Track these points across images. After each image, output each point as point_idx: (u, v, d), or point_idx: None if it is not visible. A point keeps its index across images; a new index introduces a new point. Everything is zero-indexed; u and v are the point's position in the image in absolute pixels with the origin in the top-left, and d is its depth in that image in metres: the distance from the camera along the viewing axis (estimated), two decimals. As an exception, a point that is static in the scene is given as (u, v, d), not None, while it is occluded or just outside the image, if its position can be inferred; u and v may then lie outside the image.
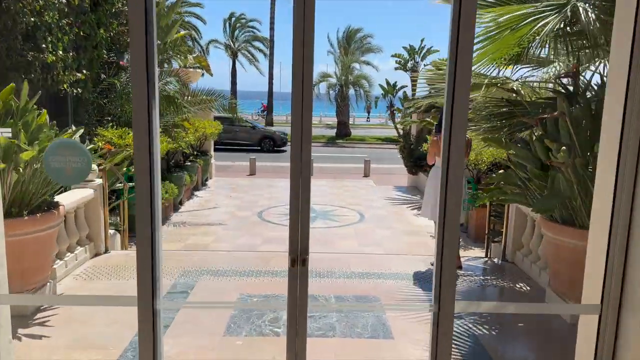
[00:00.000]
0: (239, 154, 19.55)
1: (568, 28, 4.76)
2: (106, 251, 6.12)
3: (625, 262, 2.49)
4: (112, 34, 9.12)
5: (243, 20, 39.26)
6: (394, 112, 27.97)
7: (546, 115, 4.32)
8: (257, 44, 39.36)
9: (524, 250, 6.00)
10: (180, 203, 10.36)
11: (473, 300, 4.91)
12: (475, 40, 3.02)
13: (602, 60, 4.90)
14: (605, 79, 4.68)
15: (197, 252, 6.89)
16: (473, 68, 5.44)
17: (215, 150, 14.63)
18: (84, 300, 4.19)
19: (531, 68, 6.00)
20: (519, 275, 5.87)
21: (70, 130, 4.95)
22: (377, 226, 8.86)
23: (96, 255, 5.99)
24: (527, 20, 4.27)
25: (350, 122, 34.21)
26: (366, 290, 5.34)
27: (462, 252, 6.45)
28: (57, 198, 5.19)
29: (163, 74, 9.91)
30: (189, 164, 11.54)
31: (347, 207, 10.45)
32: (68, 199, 5.35)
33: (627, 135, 2.40)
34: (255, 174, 15.03)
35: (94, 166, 5.85)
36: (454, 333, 2.81)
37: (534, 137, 4.53)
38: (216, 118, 14.31)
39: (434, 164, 6.00)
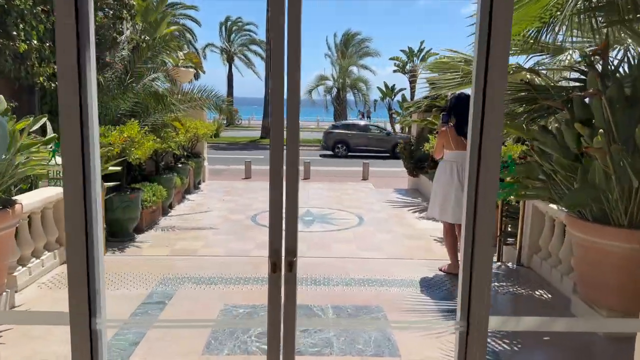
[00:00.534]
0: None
1: (594, 1, 4.22)
2: (78, 257, 5.52)
3: None
4: (95, 25, 8.58)
5: (240, 24, 38.86)
6: (393, 115, 27.44)
7: (579, 93, 3.74)
8: (254, 47, 38.94)
9: (542, 253, 5.42)
10: (170, 206, 9.81)
11: (504, 315, 4.33)
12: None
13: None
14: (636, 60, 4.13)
15: (182, 257, 6.29)
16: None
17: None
18: None
19: (546, 55, 5.47)
20: (537, 281, 5.28)
21: (27, 120, 4.36)
22: (377, 230, 8.30)
23: (67, 261, 5.39)
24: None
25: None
26: (367, 299, 4.74)
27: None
28: (20, 197, 4.62)
29: (151, 70, 9.38)
30: (180, 165, 11.01)
31: (345, 210, 9.91)
32: (32, 198, 4.77)
33: None
34: (251, 177, 14.55)
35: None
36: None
37: (562, 123, 3.95)
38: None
39: (440, 159, 5.44)
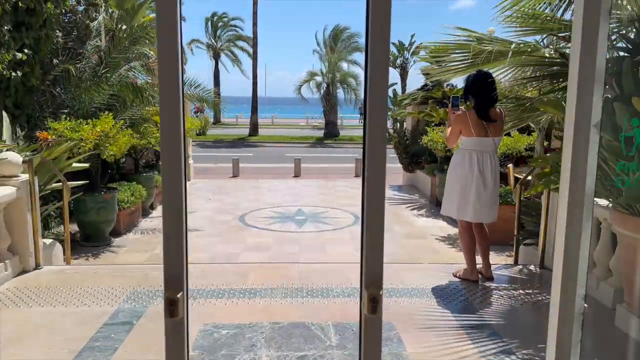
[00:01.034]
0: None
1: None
2: (37, 267, 4.78)
3: None
4: (63, 10, 7.81)
5: (225, 19, 37.97)
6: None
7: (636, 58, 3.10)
8: (241, 43, 38.07)
9: (568, 254, 4.78)
10: (152, 207, 9.13)
11: (527, 330, 3.67)
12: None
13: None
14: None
15: (157, 266, 5.58)
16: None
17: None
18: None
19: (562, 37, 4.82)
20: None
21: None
22: (376, 229, 7.65)
23: (23, 272, 4.66)
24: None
25: (339, 123, 33.09)
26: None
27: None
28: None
29: (128, 60, 8.63)
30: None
31: (339, 208, 9.28)
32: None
33: None
34: (238, 175, 13.90)
35: (18, 158, 4.54)
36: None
37: (608, 100, 3.30)
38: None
39: (454, 148, 4.77)
